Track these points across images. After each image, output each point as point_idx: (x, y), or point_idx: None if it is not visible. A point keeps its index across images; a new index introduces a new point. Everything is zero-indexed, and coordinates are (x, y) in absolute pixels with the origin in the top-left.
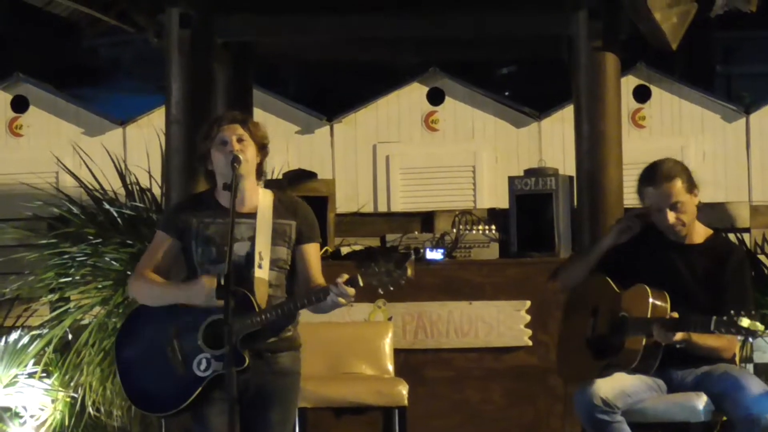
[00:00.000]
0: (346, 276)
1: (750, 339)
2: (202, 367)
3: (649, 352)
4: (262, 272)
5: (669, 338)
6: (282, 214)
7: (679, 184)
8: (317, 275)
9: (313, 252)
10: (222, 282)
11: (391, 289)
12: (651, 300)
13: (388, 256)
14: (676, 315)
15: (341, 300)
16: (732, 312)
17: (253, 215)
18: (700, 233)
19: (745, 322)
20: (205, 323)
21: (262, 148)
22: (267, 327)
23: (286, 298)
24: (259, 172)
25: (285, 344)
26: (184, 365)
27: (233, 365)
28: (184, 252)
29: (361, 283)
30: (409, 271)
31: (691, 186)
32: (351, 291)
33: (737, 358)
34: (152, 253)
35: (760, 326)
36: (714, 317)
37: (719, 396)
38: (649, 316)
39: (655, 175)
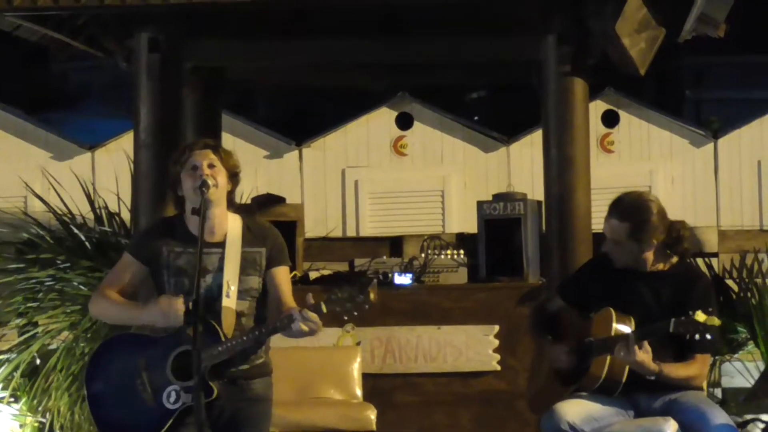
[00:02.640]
0: (312, 302)
1: (708, 336)
2: (172, 399)
3: (613, 371)
4: (229, 302)
5: (632, 354)
6: (251, 242)
7: (623, 227)
8: (288, 298)
9: (283, 275)
10: (190, 309)
11: (355, 314)
12: (615, 322)
13: (350, 281)
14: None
15: (305, 327)
16: (690, 312)
17: (222, 244)
18: (665, 261)
19: (701, 317)
20: (173, 355)
21: (233, 176)
22: (235, 356)
23: (252, 327)
24: (230, 200)
25: (258, 371)
26: (153, 398)
27: (202, 394)
28: (154, 280)
29: (325, 310)
30: (372, 296)
31: (641, 233)
32: (314, 317)
33: (705, 384)
34: (117, 275)
35: (716, 321)
36: (673, 318)
37: (684, 425)
38: (612, 335)
39: (615, 205)
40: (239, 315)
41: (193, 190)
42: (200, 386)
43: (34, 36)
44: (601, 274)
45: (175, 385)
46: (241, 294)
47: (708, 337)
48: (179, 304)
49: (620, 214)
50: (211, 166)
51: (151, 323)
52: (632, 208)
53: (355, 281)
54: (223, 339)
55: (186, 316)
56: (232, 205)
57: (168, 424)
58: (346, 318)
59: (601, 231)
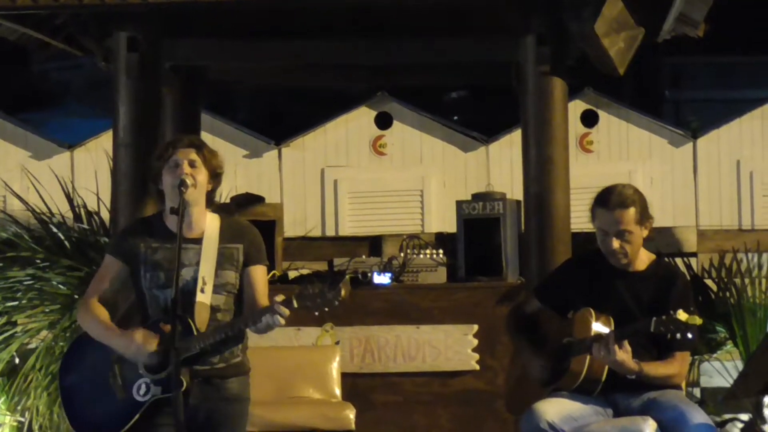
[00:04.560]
0: (282, 297)
1: (690, 335)
2: (142, 391)
3: (592, 371)
4: (204, 297)
5: (611, 354)
6: (229, 238)
7: (631, 213)
8: (263, 298)
9: (259, 274)
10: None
11: (326, 310)
12: (594, 322)
13: (322, 277)
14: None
15: (276, 322)
16: (671, 311)
17: (199, 241)
18: (643, 260)
19: (682, 316)
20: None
21: (215, 176)
22: (208, 351)
23: (225, 322)
24: (210, 199)
25: (233, 370)
26: (124, 390)
27: (177, 389)
28: (132, 276)
29: (296, 305)
30: (343, 292)
31: (644, 218)
32: (286, 312)
33: (684, 383)
34: (101, 278)
35: (698, 320)
36: (654, 318)
37: (663, 424)
38: (591, 335)
39: (610, 198)
40: (214, 310)
41: (172, 188)
42: (178, 384)
43: (13, 35)
44: (578, 275)
45: (145, 378)
46: (217, 288)
47: (689, 336)
48: (150, 346)
49: (621, 203)
50: (192, 164)
51: (120, 350)
52: (630, 194)
53: (325, 278)
54: (195, 333)
55: (164, 312)
56: (212, 204)
57: (136, 417)
58: (317, 313)
59: (580, 231)
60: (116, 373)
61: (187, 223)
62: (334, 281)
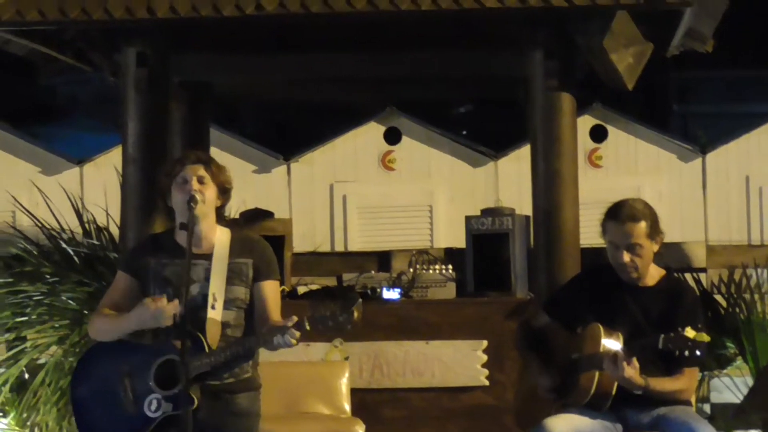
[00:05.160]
0: (295, 319)
1: (698, 353)
2: (153, 407)
3: (602, 387)
4: (214, 313)
5: (620, 370)
6: (239, 253)
7: (642, 227)
8: (274, 313)
9: (270, 290)
10: (177, 321)
11: (338, 333)
12: (603, 338)
13: (337, 297)
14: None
15: (287, 343)
16: (678, 328)
17: (209, 256)
18: (653, 275)
19: (690, 333)
20: (156, 363)
21: (224, 192)
22: (219, 368)
23: (237, 339)
24: (220, 214)
25: (243, 385)
26: (135, 405)
27: (187, 406)
28: (142, 292)
29: (308, 327)
30: (356, 315)
31: (654, 233)
32: (296, 335)
33: (694, 399)
34: (112, 293)
35: (705, 337)
36: (662, 335)
37: None
38: (601, 351)
39: (621, 212)
40: (225, 326)
41: (182, 204)
42: (187, 401)
43: (22, 50)
44: (587, 290)
45: (156, 394)
46: (227, 304)
47: (697, 353)
48: (163, 302)
49: (631, 216)
50: (200, 180)
51: (141, 325)
52: (640, 208)
53: (341, 298)
54: (206, 350)
55: (173, 328)
56: (222, 220)
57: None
58: (329, 335)
59: (589, 246)
60: (127, 387)
61: (196, 239)
62: (347, 304)
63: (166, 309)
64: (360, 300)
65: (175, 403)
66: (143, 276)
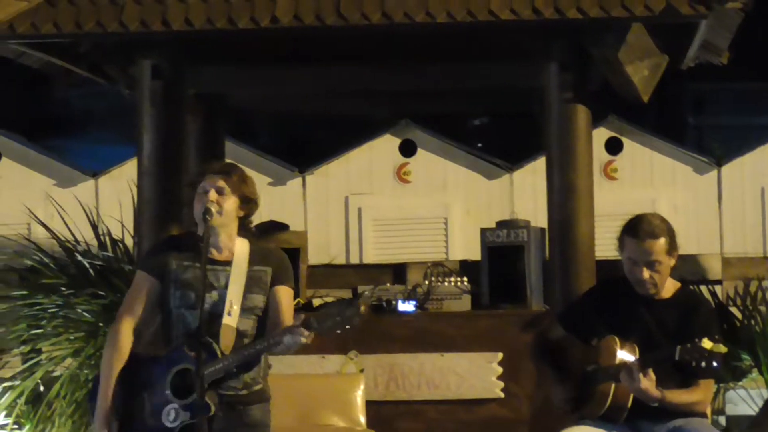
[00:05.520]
0: (303, 316)
1: (714, 364)
2: (171, 417)
3: (617, 399)
4: (230, 320)
5: (636, 382)
6: (258, 261)
7: (661, 244)
8: (287, 319)
9: (284, 295)
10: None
11: (347, 328)
12: (619, 350)
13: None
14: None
15: (297, 343)
16: (696, 340)
17: (230, 263)
18: (668, 287)
19: (707, 344)
20: (172, 373)
21: (247, 202)
22: (231, 373)
23: (247, 343)
24: (242, 225)
25: (256, 397)
26: (154, 417)
27: (204, 414)
28: (161, 292)
29: (316, 324)
30: (362, 309)
31: (672, 248)
32: (305, 333)
33: (709, 411)
34: (134, 295)
35: (723, 348)
36: (678, 346)
37: None
38: (617, 363)
39: (640, 228)
40: (241, 334)
41: (199, 215)
42: (201, 410)
43: (37, 63)
44: (602, 302)
45: (174, 404)
46: (245, 312)
47: (714, 364)
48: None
49: (651, 233)
50: (219, 191)
51: (97, 406)
52: (659, 224)
53: (344, 298)
54: (219, 356)
55: (188, 340)
56: (245, 230)
57: None
58: (339, 332)
59: (604, 258)
60: (145, 399)
61: (216, 246)
62: (353, 299)
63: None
64: (365, 293)
65: (193, 412)
66: (164, 277)
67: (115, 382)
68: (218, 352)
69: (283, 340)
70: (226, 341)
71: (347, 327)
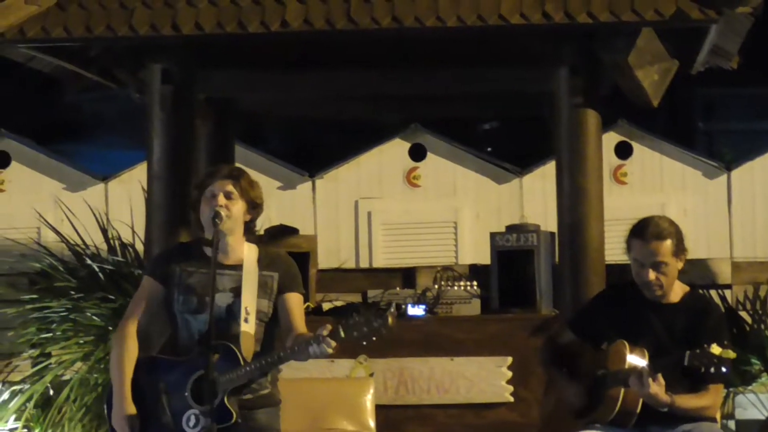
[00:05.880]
0: (329, 327)
1: (723, 369)
2: (191, 423)
3: (627, 403)
4: (248, 326)
5: (645, 387)
6: (265, 266)
7: (668, 245)
8: (300, 325)
9: (294, 302)
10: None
11: (374, 339)
12: (628, 354)
13: (368, 307)
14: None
15: (323, 352)
16: (705, 345)
17: (236, 267)
18: (677, 291)
19: (716, 350)
20: (192, 378)
21: (254, 207)
22: (254, 380)
23: (267, 350)
24: (248, 229)
25: (262, 401)
26: (173, 422)
27: (218, 421)
28: (165, 298)
29: (343, 335)
30: (390, 321)
31: (680, 250)
32: (332, 344)
33: (718, 415)
34: (138, 300)
35: (731, 354)
36: (687, 351)
37: None
38: (626, 367)
39: (646, 230)
40: (255, 340)
41: (208, 218)
42: (226, 414)
43: (47, 67)
44: (612, 307)
45: (194, 409)
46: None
47: (723, 370)
48: (134, 423)
49: (657, 234)
50: (227, 196)
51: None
52: (666, 226)
53: (371, 308)
54: (241, 363)
55: (200, 344)
56: (250, 234)
57: None
58: (364, 343)
59: (614, 262)
60: (164, 404)
61: (224, 250)
62: (381, 310)
63: (129, 426)
64: (394, 304)
65: (213, 418)
66: (169, 282)
67: (129, 383)
68: (241, 359)
69: (309, 349)
70: (246, 347)
71: (373, 338)
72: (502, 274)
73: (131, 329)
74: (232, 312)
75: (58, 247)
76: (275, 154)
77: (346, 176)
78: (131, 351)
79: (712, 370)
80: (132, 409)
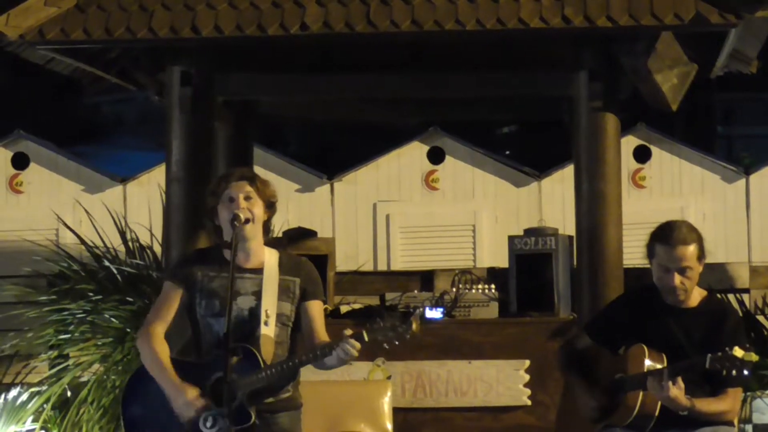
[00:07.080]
0: (351, 331)
1: (745, 372)
2: (209, 424)
3: (645, 407)
4: (268, 330)
5: (665, 390)
6: (287, 270)
7: (692, 250)
8: (321, 332)
9: (317, 309)
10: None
11: (396, 344)
12: (647, 358)
13: (392, 311)
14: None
15: (347, 354)
16: (726, 348)
17: (257, 271)
18: (695, 296)
19: (738, 352)
20: (212, 380)
21: (270, 206)
22: (274, 384)
23: (290, 355)
24: (266, 228)
25: (283, 404)
26: (191, 423)
27: (235, 423)
28: (187, 302)
29: (367, 338)
30: (414, 326)
31: (702, 255)
32: (357, 346)
33: (736, 420)
34: (161, 305)
35: (754, 356)
36: (709, 354)
37: None
38: (645, 371)
39: (671, 235)
40: (277, 343)
41: (229, 222)
42: (244, 416)
43: (67, 69)
44: (630, 311)
45: (213, 411)
46: (275, 319)
47: (745, 372)
48: (194, 410)
49: (682, 240)
50: (247, 198)
51: (169, 398)
52: (689, 231)
53: (396, 312)
54: (262, 365)
55: (219, 346)
56: (268, 233)
57: None
58: (387, 347)
59: (632, 266)
60: None
61: (245, 254)
62: (406, 315)
63: (195, 406)
64: (420, 309)
65: (231, 419)
66: (191, 287)
67: (173, 372)
68: (261, 362)
69: (333, 353)
70: (266, 351)
71: (396, 343)
72: (521, 277)
73: (159, 331)
74: (255, 315)
75: (77, 249)
76: (294, 157)
77: (365, 179)
78: (162, 347)
79: (734, 372)
80: (192, 392)
